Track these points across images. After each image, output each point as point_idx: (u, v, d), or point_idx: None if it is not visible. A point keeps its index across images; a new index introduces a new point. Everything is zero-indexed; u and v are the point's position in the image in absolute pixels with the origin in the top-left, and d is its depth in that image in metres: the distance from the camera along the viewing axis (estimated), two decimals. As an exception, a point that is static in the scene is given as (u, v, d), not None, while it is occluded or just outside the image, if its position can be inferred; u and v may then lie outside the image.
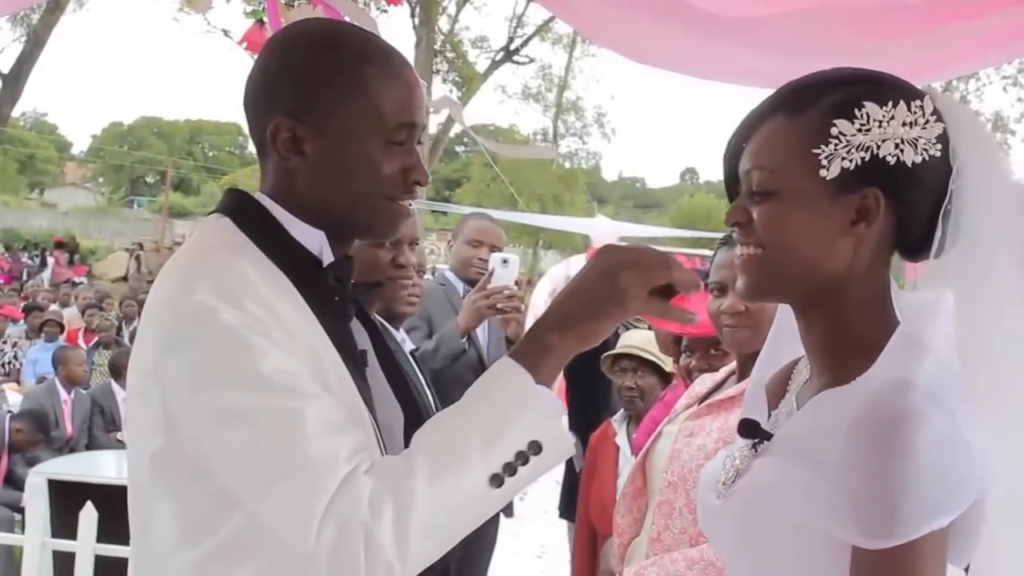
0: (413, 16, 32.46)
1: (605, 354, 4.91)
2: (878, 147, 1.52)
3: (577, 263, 15.52)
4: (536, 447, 1.61)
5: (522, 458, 1.60)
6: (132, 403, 1.79)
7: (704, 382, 3.11)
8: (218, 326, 1.60)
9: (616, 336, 5.12)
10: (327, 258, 1.84)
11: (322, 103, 1.78)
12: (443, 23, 37.72)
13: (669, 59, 3.93)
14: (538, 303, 14.27)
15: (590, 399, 5.49)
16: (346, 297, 1.86)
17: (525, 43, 40.49)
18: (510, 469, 1.60)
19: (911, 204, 1.55)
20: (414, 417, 1.96)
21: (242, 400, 1.59)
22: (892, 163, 1.52)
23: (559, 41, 42.89)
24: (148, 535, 1.77)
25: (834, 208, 1.55)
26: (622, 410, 4.58)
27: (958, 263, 1.53)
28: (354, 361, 1.80)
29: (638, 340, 4.68)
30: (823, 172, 1.54)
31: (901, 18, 3.33)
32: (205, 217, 1.89)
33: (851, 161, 1.53)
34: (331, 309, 1.79)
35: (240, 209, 1.84)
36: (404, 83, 1.83)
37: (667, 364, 4.51)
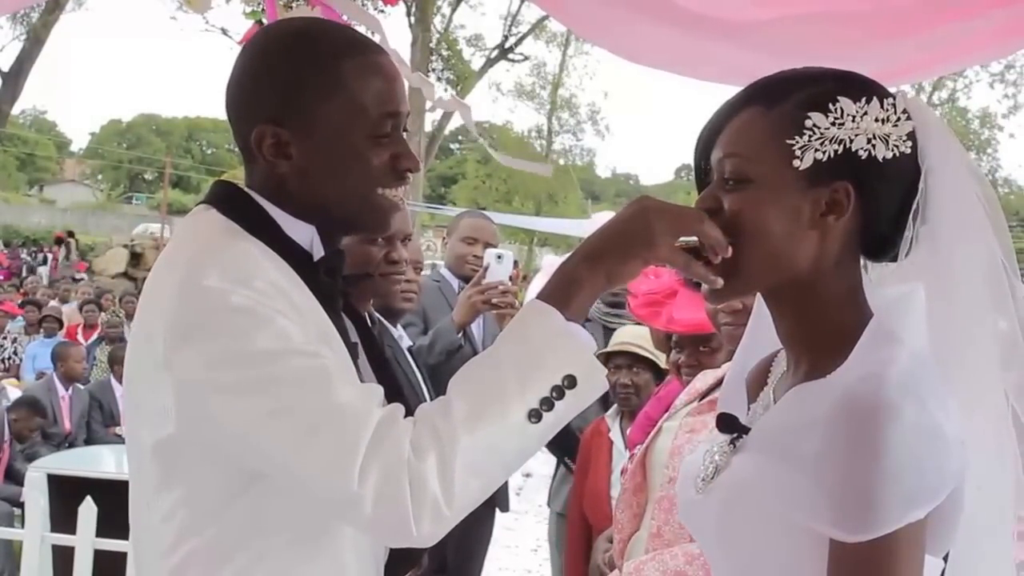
0: (409, 15, 32.39)
1: (599, 351, 4.91)
2: (851, 141, 1.54)
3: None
4: (571, 380, 1.61)
5: (558, 392, 1.61)
6: (136, 393, 1.79)
7: (705, 378, 3.11)
8: (231, 308, 1.62)
9: (610, 333, 5.14)
10: (317, 252, 1.85)
11: (302, 105, 1.78)
12: (438, 22, 37.67)
13: (662, 59, 3.94)
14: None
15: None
16: (336, 290, 1.88)
17: (520, 41, 40.49)
18: (547, 404, 1.60)
19: (880, 200, 1.57)
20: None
21: (265, 371, 1.60)
22: (864, 157, 1.55)
23: (553, 39, 42.95)
24: (153, 526, 1.77)
25: (805, 199, 1.57)
26: (615, 405, 4.58)
27: (925, 263, 1.56)
28: (349, 350, 1.81)
29: (632, 336, 4.66)
30: (796, 163, 1.55)
31: (894, 21, 3.34)
32: (195, 207, 1.89)
33: (824, 153, 1.55)
34: (325, 300, 1.80)
35: (230, 201, 1.85)
36: (382, 73, 1.83)
37: (662, 360, 4.50)
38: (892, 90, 1.63)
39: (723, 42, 3.50)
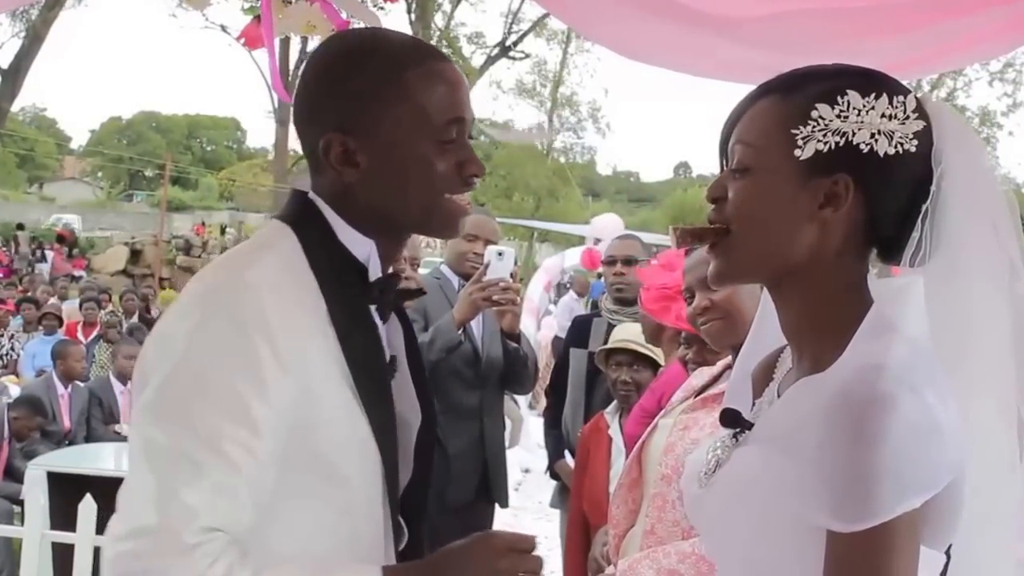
0: (410, 12, 32.41)
1: (599, 348, 4.91)
2: (854, 134, 1.55)
3: (572, 256, 15.51)
4: None
5: None
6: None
7: (701, 375, 3.12)
8: (217, 351, 1.65)
9: (610, 329, 5.15)
10: (373, 267, 1.87)
11: (368, 114, 1.81)
12: (439, 19, 37.69)
13: (661, 55, 3.94)
14: (533, 296, 14.27)
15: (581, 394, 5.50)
16: (385, 308, 1.91)
17: (520, 39, 40.59)
18: None
19: (882, 196, 1.57)
20: (428, 416, 2.02)
21: (173, 434, 1.62)
22: (865, 151, 1.55)
23: (554, 37, 43.05)
24: None
25: (804, 190, 1.57)
26: (615, 402, 4.58)
27: (938, 266, 1.55)
28: (376, 374, 1.82)
29: (632, 334, 4.66)
30: (797, 152, 1.56)
31: (892, 17, 3.35)
32: (271, 220, 1.92)
33: (825, 144, 1.55)
34: (363, 322, 1.82)
35: (302, 216, 1.87)
36: (446, 80, 1.85)
37: (661, 357, 4.52)
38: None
39: (722, 38, 3.50)
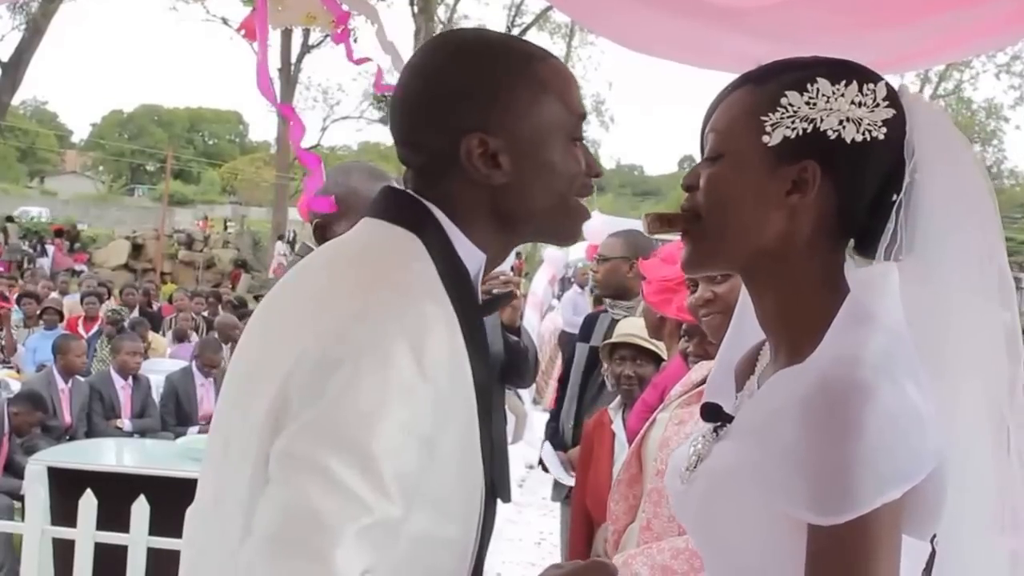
0: (412, 4, 32.41)
1: (603, 343, 4.91)
2: (822, 120, 1.55)
3: (576, 249, 15.54)
4: None
5: None
6: (250, 390, 1.66)
7: (700, 369, 3.11)
8: (383, 386, 1.50)
9: (614, 324, 5.14)
10: (478, 282, 1.76)
11: (510, 111, 1.70)
12: (442, 12, 37.70)
13: (665, 47, 3.94)
14: (537, 290, 14.28)
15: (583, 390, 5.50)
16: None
17: (524, 32, 40.51)
18: None
19: (851, 184, 1.57)
20: None
21: (336, 463, 1.46)
22: (832, 138, 1.54)
23: (557, 31, 43.07)
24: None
25: (772, 177, 1.57)
26: (618, 398, 4.57)
27: (913, 261, 1.53)
28: (492, 403, 1.71)
29: (636, 329, 4.66)
30: (766, 139, 1.57)
31: (897, 7, 3.34)
32: (389, 225, 1.73)
33: (793, 131, 1.55)
34: (485, 348, 1.71)
35: (421, 223, 1.71)
36: (567, 74, 1.78)
37: (664, 351, 4.50)
38: (896, 82, 1.62)
39: (726, 29, 3.49)
